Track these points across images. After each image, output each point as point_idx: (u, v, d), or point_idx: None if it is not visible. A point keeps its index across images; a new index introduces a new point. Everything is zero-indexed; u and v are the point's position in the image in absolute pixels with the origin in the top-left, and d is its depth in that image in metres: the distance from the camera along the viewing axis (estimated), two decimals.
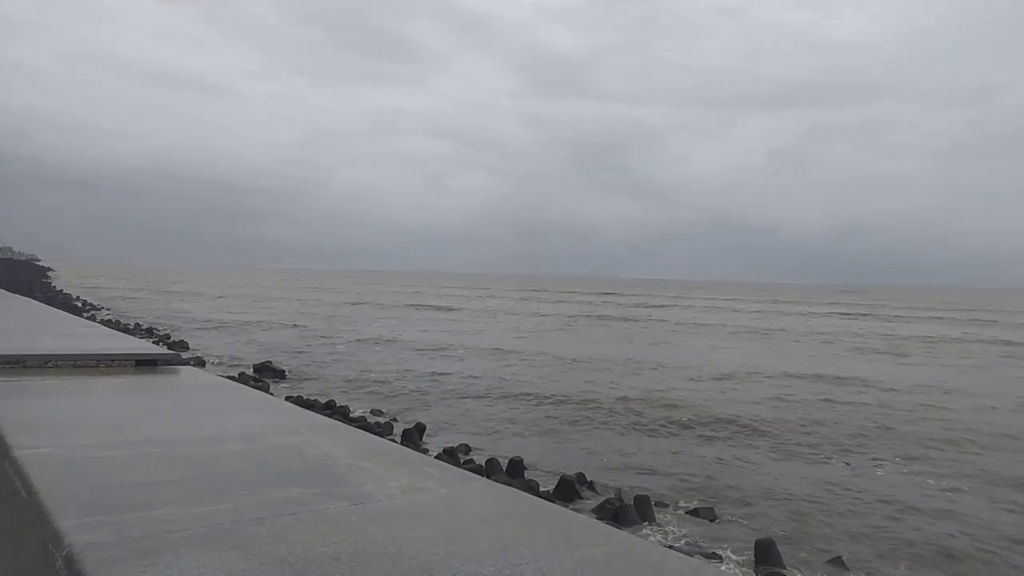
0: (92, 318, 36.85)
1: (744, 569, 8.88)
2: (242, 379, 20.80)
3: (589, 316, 60.34)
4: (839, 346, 38.96)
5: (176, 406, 4.84)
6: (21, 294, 24.84)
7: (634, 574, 2.14)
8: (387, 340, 35.88)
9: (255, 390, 6.58)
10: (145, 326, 37.80)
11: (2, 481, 2.96)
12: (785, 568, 8.82)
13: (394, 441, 12.77)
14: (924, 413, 19.23)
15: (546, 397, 19.90)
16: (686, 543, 9.48)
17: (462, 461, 13.03)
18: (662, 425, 16.80)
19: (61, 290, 66.60)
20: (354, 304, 70.19)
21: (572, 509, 9.31)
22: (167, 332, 35.91)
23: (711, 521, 10.66)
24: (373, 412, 17.98)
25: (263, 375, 23.55)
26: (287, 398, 16.93)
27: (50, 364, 6.03)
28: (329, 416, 12.11)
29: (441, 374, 24.65)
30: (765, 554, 8.91)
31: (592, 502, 11.10)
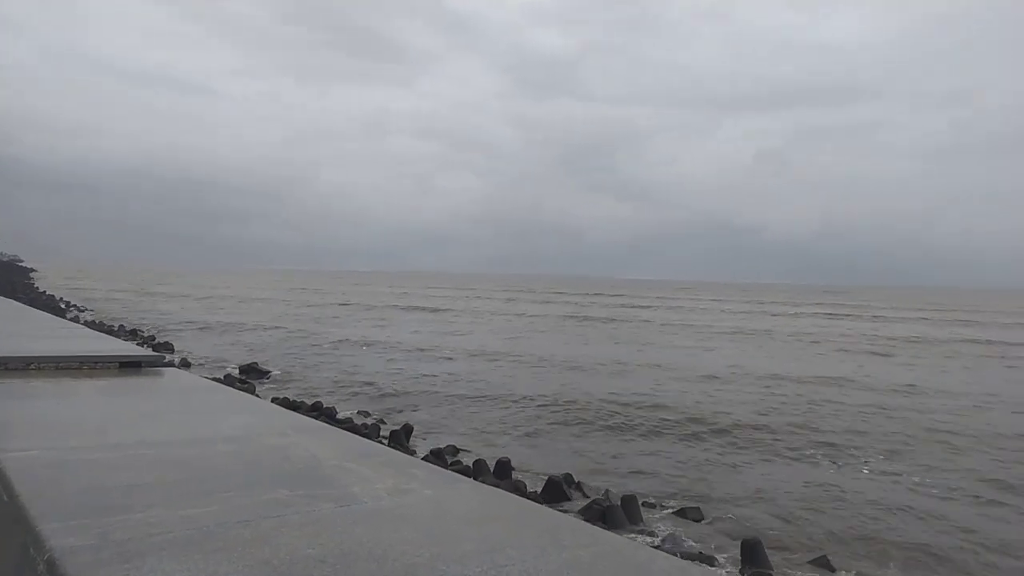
0: (76, 319, 36.53)
1: (730, 569, 8.92)
2: (228, 381, 20.68)
3: (576, 317, 60.43)
4: (825, 346, 39.22)
5: (161, 408, 4.81)
6: (3, 295, 24.61)
7: (620, 574, 2.15)
8: (374, 341, 35.79)
9: (241, 392, 6.55)
10: (129, 327, 37.50)
11: None
12: (771, 568, 8.87)
13: (381, 443, 12.74)
14: (909, 413, 19.39)
15: (533, 398, 19.91)
16: (673, 543, 9.51)
17: (449, 462, 13.02)
18: (649, 426, 16.84)
19: (44, 291, 65.97)
20: (341, 305, 69.96)
21: (559, 510, 9.32)
22: (152, 333, 35.65)
23: (698, 521, 10.70)
24: (360, 413, 17.92)
25: (249, 376, 23.42)
26: (273, 400, 16.85)
27: (32, 366, 5.97)
28: (315, 418, 12.06)
29: (428, 375, 24.61)
30: (751, 554, 8.95)
31: (579, 503, 11.11)
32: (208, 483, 2.90)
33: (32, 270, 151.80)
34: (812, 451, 14.98)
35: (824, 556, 9.26)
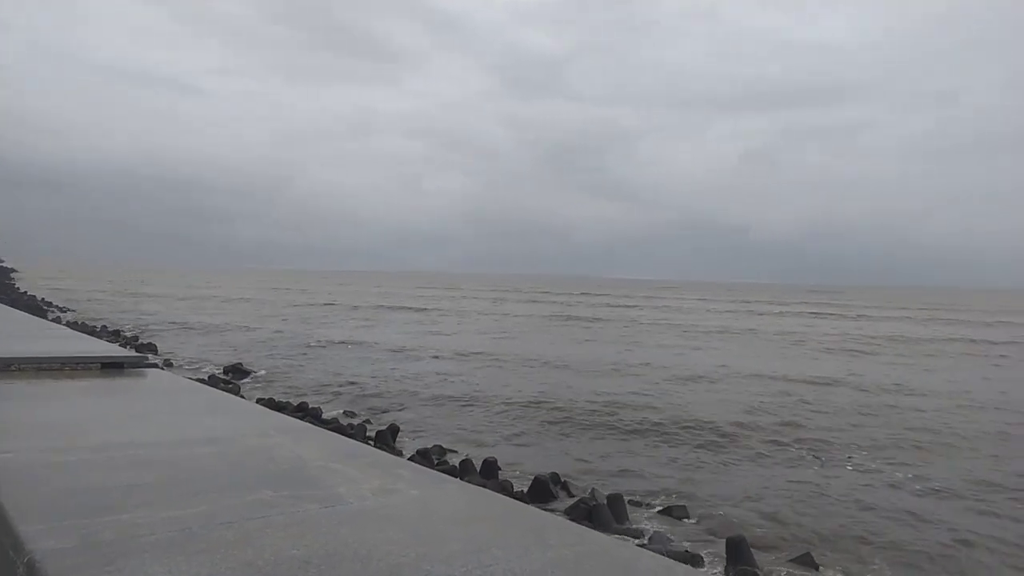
0: (57, 320, 36.18)
1: (716, 569, 8.96)
2: (212, 381, 20.56)
3: (563, 317, 60.52)
4: (809, 345, 39.49)
5: (144, 409, 4.77)
6: None
7: (605, 573, 2.15)
8: (361, 341, 35.68)
9: (225, 392, 6.51)
10: (112, 328, 37.18)
11: None
12: (756, 566, 8.92)
13: (367, 443, 12.70)
14: (894, 412, 19.57)
15: (520, 398, 19.91)
16: (659, 542, 9.54)
17: (436, 462, 13.00)
18: (635, 426, 16.89)
19: (25, 291, 65.27)
20: (328, 305, 69.69)
21: (546, 509, 9.34)
22: (135, 334, 35.36)
23: (684, 520, 10.76)
24: (346, 414, 17.86)
25: (234, 377, 23.29)
26: (258, 400, 16.76)
27: (13, 367, 5.91)
28: (301, 418, 12.00)
29: (415, 376, 24.57)
30: (736, 552, 9.00)
31: (566, 502, 11.13)
32: (192, 484, 2.88)
33: (13, 270, 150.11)
34: (797, 450, 15.08)
35: (808, 553, 9.32)
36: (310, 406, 17.60)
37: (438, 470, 9.72)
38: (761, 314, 72.67)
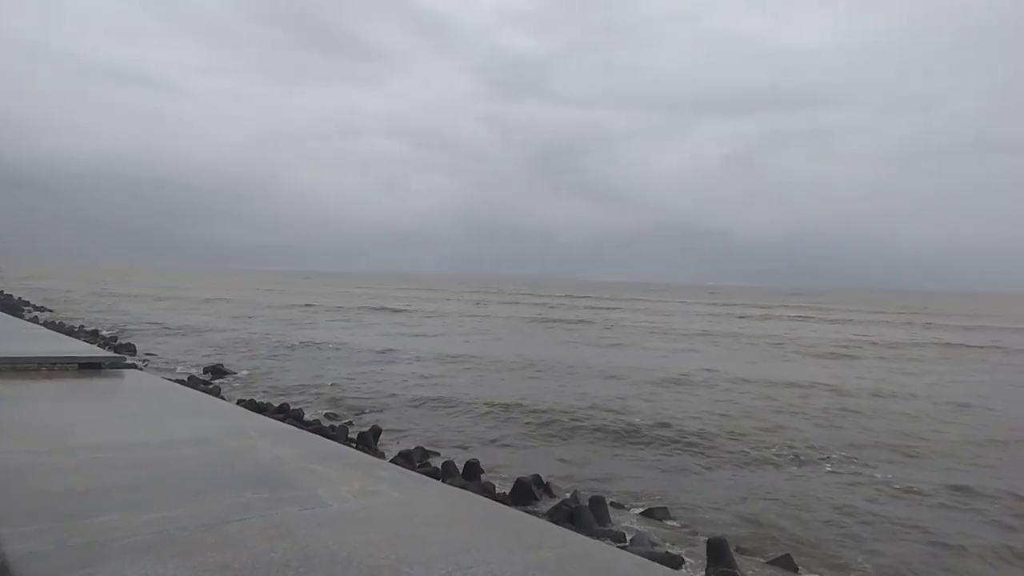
0: (35, 320, 35.73)
1: (697, 571, 9.00)
2: (192, 382, 20.38)
3: (545, 319, 60.60)
4: (790, 348, 39.81)
5: (122, 410, 4.72)
6: None
7: (586, 575, 2.16)
8: (343, 342, 35.53)
9: (205, 394, 6.46)
10: (90, 328, 36.76)
11: None
12: (736, 567, 8.97)
13: (350, 445, 12.65)
14: (874, 416, 19.76)
15: (504, 401, 19.91)
16: (641, 543, 9.57)
17: (418, 464, 12.96)
18: (617, 428, 16.94)
19: (2, 291, 64.41)
20: (309, 306, 69.34)
21: (528, 511, 9.33)
22: (114, 334, 35.00)
23: (665, 521, 10.81)
24: (328, 415, 17.77)
25: (214, 378, 23.11)
26: (239, 401, 16.62)
27: None
28: (282, 419, 11.92)
29: (398, 377, 24.50)
30: (717, 553, 9.05)
31: (548, 504, 11.14)
32: (170, 486, 2.86)
33: None
34: (778, 453, 15.19)
35: (788, 555, 9.39)
36: (292, 407, 17.49)
37: (420, 472, 9.69)
38: (743, 317, 73.16)
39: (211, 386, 20.54)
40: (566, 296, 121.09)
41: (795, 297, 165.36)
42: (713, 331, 51.53)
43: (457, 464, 12.81)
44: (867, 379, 27.24)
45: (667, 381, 24.93)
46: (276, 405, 17.64)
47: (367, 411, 18.53)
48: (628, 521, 10.77)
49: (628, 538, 9.81)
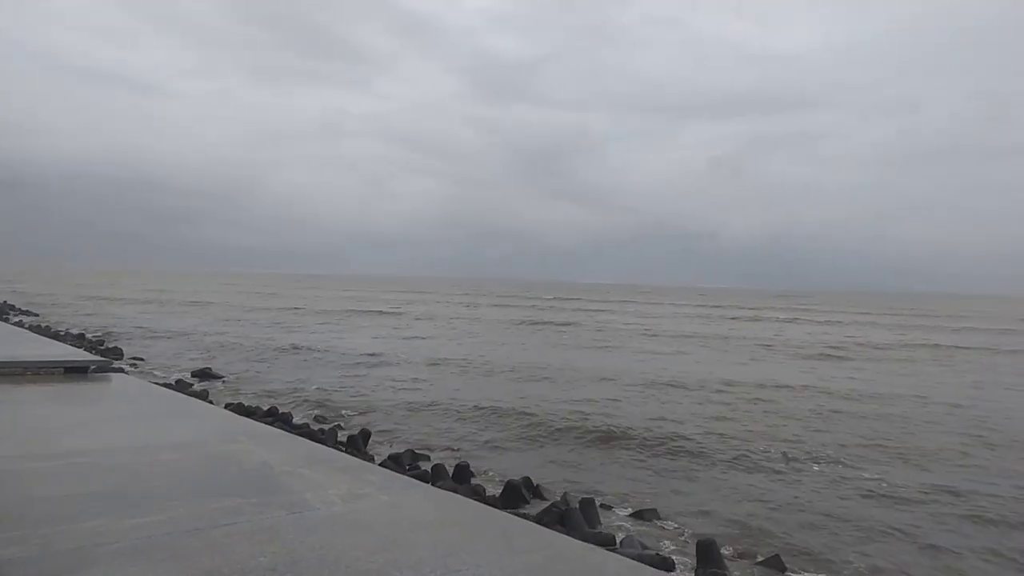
0: (19, 324, 35.44)
1: (686, 572, 9.02)
2: (179, 386, 20.26)
3: (535, 322, 60.60)
4: (779, 350, 39.97)
5: (108, 414, 4.69)
6: None
7: None
8: (332, 346, 35.41)
9: (192, 397, 6.43)
10: (76, 332, 36.48)
11: None
12: (725, 568, 9.00)
13: (339, 448, 12.60)
14: (863, 418, 19.86)
15: (494, 404, 19.90)
16: (631, 545, 9.58)
17: (407, 467, 12.92)
18: (608, 431, 16.95)
19: None
20: (297, 309, 69.09)
21: (518, 514, 9.32)
22: (100, 338, 34.75)
23: (654, 522, 10.82)
24: (317, 419, 17.70)
25: (202, 381, 22.99)
26: (227, 405, 16.53)
27: None
28: (271, 423, 11.87)
29: (387, 380, 24.45)
30: (706, 554, 9.07)
31: (538, 506, 11.13)
32: (157, 491, 2.84)
33: None
34: (768, 455, 15.24)
35: (777, 556, 9.43)
36: (280, 411, 17.41)
37: (410, 475, 9.67)
38: (732, 318, 73.41)
39: (199, 390, 20.43)
40: (555, 298, 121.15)
41: (784, 299, 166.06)
42: (703, 333, 51.69)
43: (447, 467, 12.79)
44: (856, 380, 27.38)
45: (657, 383, 24.98)
46: (265, 409, 17.55)
47: (357, 414, 18.48)
48: (619, 523, 10.79)
49: (618, 540, 9.82)
